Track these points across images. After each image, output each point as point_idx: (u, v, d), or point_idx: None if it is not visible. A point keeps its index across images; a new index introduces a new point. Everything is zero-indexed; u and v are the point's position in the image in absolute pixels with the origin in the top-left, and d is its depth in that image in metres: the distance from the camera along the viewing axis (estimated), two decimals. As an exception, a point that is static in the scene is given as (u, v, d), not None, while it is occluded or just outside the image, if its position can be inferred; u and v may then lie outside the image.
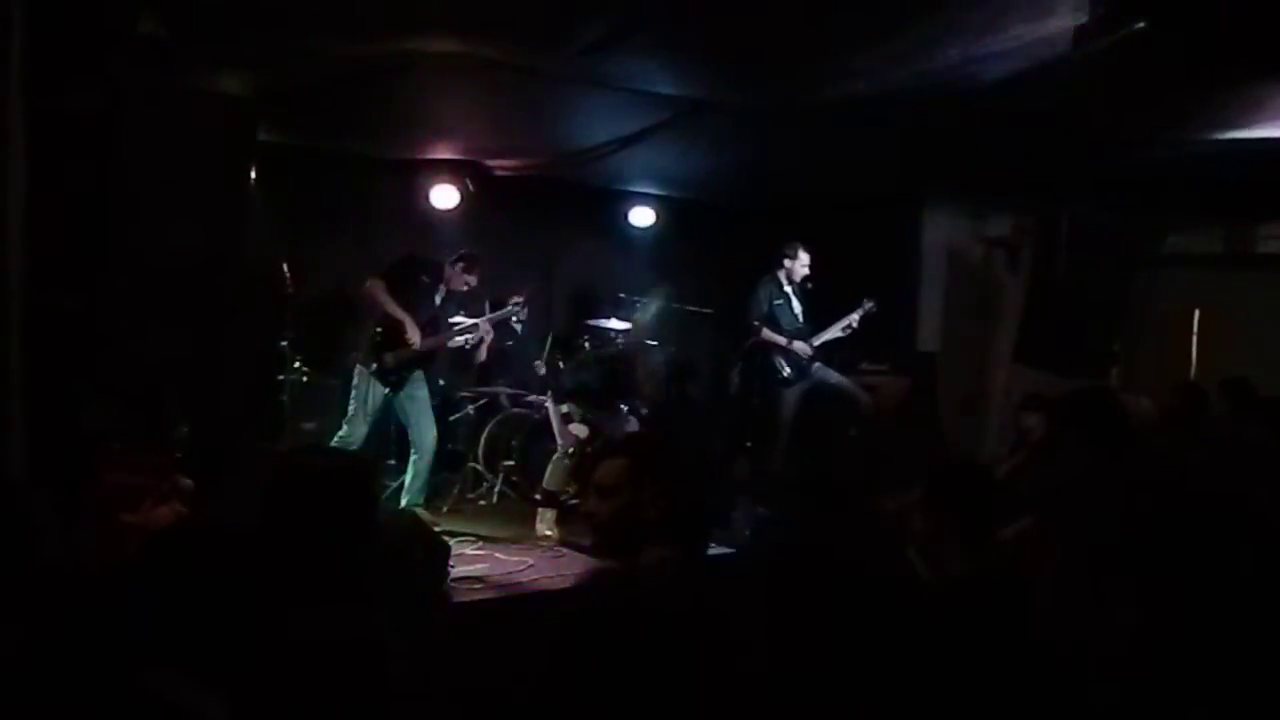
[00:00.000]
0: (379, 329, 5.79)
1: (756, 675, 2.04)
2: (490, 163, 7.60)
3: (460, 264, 6.06)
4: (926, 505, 2.59)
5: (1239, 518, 3.42)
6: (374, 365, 5.75)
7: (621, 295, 7.88)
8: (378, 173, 7.43)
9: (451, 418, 7.09)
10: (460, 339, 6.13)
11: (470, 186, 7.54)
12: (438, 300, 6.00)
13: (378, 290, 5.76)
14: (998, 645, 2.17)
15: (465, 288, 6.10)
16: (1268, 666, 2.87)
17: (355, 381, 5.82)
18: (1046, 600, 2.83)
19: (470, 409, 7.12)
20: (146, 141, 4.21)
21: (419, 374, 5.92)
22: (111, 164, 4.13)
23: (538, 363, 7.64)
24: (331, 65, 5.07)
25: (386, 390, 5.78)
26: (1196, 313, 7.17)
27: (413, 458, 5.90)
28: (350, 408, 5.82)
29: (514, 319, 6.50)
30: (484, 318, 6.28)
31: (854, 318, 7.10)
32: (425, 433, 5.88)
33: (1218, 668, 2.84)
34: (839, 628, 2.12)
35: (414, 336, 5.73)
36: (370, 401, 5.75)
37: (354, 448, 5.64)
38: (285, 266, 6.08)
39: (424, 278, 5.96)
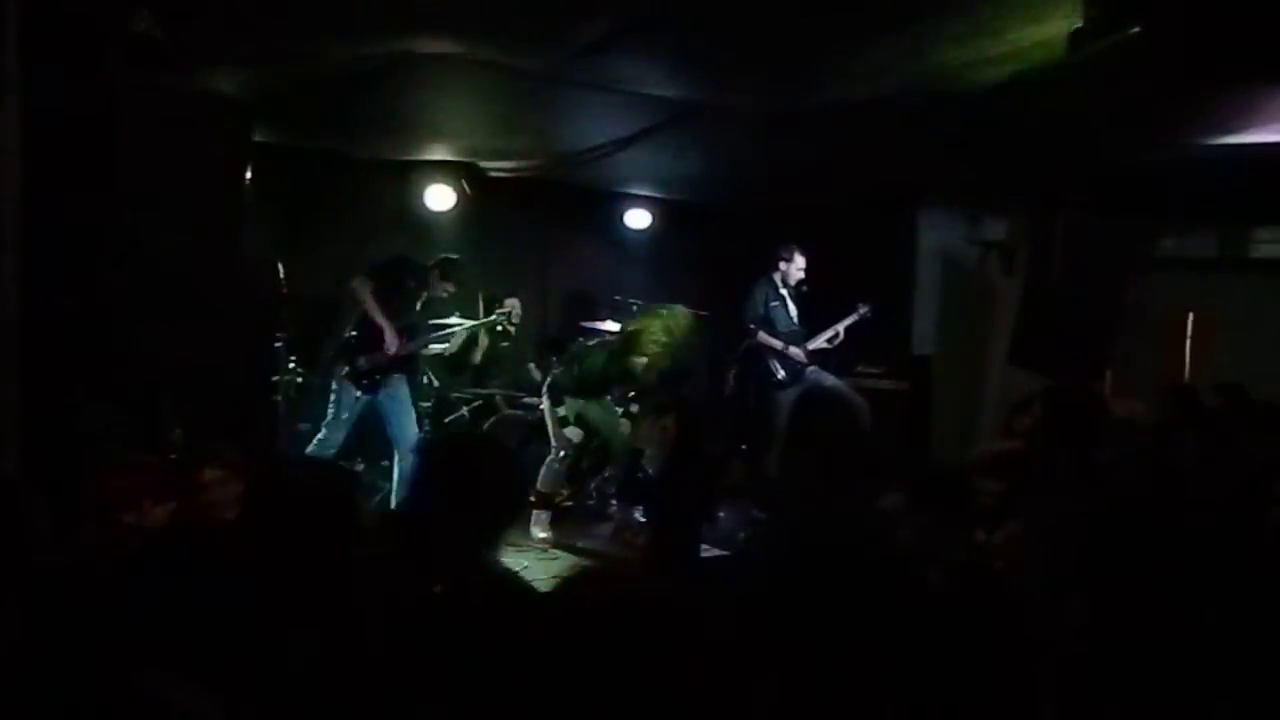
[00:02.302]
0: (355, 331, 5.76)
1: (745, 677, 2.04)
2: (486, 164, 7.60)
3: (438, 270, 6.02)
4: (910, 506, 2.57)
5: (1219, 522, 3.43)
6: (346, 369, 5.71)
7: (617, 298, 7.89)
8: (373, 173, 7.42)
9: (447, 419, 7.09)
10: (439, 347, 6.08)
11: (466, 188, 7.55)
12: (418, 306, 5.97)
13: (364, 291, 5.72)
14: (975, 644, 2.17)
15: (444, 295, 6.06)
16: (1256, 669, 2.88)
17: (332, 384, 5.80)
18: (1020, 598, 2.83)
19: (465, 411, 7.11)
20: (142, 142, 4.20)
21: (396, 378, 5.87)
22: (107, 164, 4.12)
23: (531, 365, 7.64)
24: (328, 66, 5.06)
25: (359, 394, 5.73)
26: (1190, 316, 7.19)
27: (395, 458, 5.87)
28: (329, 412, 5.78)
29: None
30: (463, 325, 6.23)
31: (840, 328, 7.11)
32: (405, 429, 5.82)
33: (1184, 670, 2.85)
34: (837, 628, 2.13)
35: (391, 343, 5.69)
36: (345, 404, 5.71)
37: (330, 452, 5.62)
38: (280, 267, 6.07)
39: (411, 283, 5.93)
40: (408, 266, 5.98)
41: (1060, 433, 3.41)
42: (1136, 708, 2.83)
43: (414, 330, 5.91)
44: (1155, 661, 2.93)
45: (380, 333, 5.67)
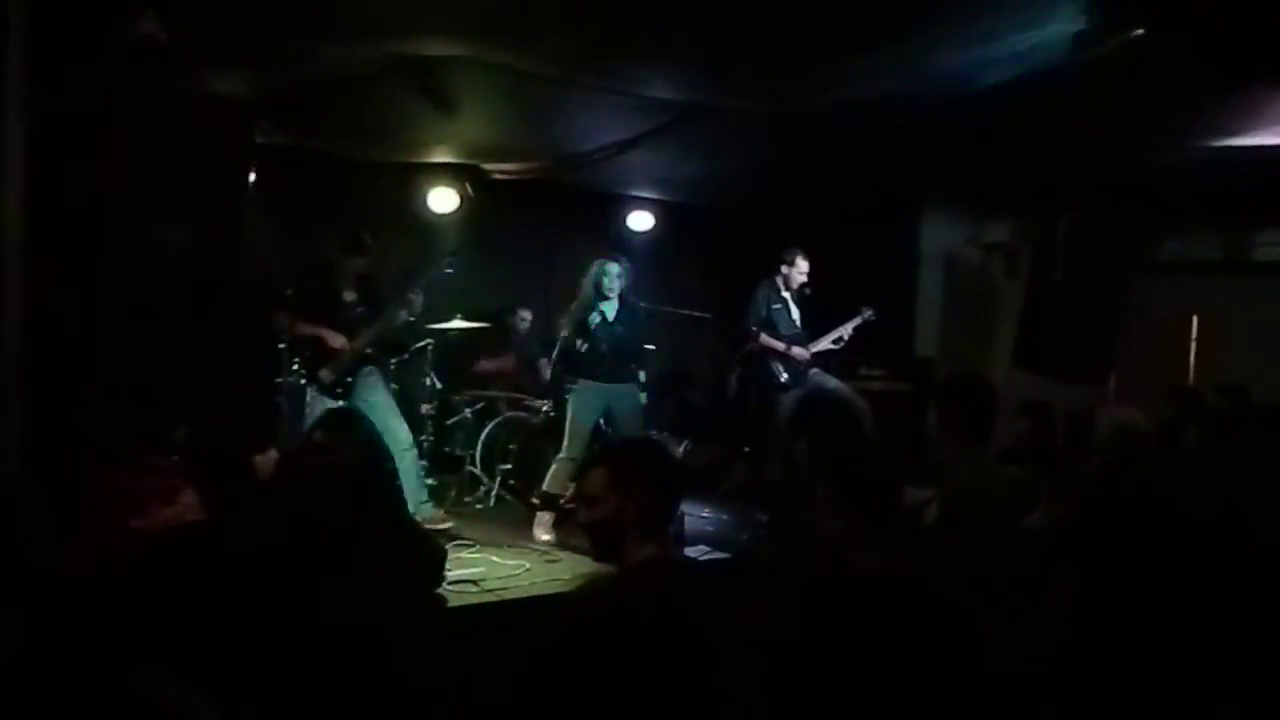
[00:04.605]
0: (306, 351, 5.76)
1: (743, 676, 2.06)
2: (489, 166, 7.60)
3: (346, 251, 5.90)
4: (831, 500, 2.50)
5: (1215, 522, 3.42)
6: (315, 385, 5.74)
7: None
8: (376, 176, 7.41)
9: (449, 421, 7.09)
10: (401, 316, 6.00)
11: (469, 190, 7.54)
12: (347, 297, 5.91)
13: (293, 320, 5.72)
14: (900, 641, 2.17)
15: (356, 271, 5.90)
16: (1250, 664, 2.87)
17: (307, 401, 5.79)
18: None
19: (468, 412, 7.11)
20: (145, 142, 4.21)
21: (369, 378, 5.84)
22: (110, 164, 4.12)
23: (543, 363, 7.61)
24: (331, 67, 5.07)
25: (337, 403, 5.68)
26: (1194, 319, 7.19)
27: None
28: (306, 426, 5.77)
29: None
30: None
31: (847, 328, 7.10)
32: (393, 430, 5.75)
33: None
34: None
35: (336, 341, 5.70)
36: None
37: None
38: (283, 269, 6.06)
39: (315, 283, 5.87)
40: (309, 273, 5.93)
41: (956, 421, 3.41)
42: (1134, 707, 2.83)
43: (358, 320, 5.82)
44: (1150, 660, 2.92)
45: (322, 341, 5.69)
